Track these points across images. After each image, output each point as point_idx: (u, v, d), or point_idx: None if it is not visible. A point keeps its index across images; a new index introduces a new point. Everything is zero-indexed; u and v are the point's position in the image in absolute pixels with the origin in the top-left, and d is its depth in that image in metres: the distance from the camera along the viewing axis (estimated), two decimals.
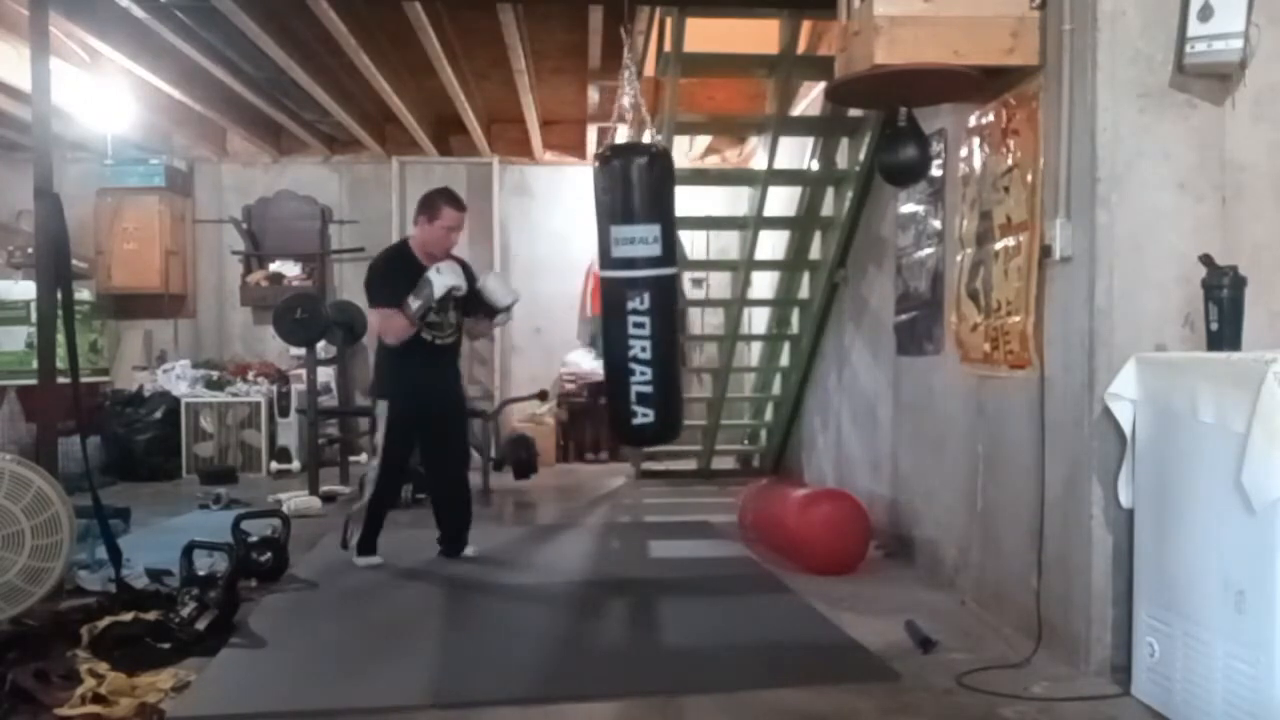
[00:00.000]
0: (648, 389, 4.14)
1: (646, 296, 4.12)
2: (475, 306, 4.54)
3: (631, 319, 4.13)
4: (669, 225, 4.19)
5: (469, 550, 4.62)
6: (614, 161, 4.21)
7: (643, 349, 4.12)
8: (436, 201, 4.42)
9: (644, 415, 4.17)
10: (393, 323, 4.29)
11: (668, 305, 4.24)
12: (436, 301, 4.25)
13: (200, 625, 3.26)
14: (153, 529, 5.29)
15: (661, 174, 4.16)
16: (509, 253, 8.78)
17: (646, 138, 4.76)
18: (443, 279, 4.23)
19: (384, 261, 4.54)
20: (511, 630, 3.54)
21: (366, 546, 4.46)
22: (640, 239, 4.10)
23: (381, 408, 4.44)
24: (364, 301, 8.02)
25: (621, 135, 5.14)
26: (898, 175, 3.94)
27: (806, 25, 5.55)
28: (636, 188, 4.10)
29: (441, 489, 4.67)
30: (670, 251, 4.20)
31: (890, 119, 3.75)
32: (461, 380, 4.82)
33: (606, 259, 4.23)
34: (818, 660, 3.17)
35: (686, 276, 8.56)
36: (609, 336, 4.32)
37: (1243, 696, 2.36)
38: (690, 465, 7.29)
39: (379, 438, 4.45)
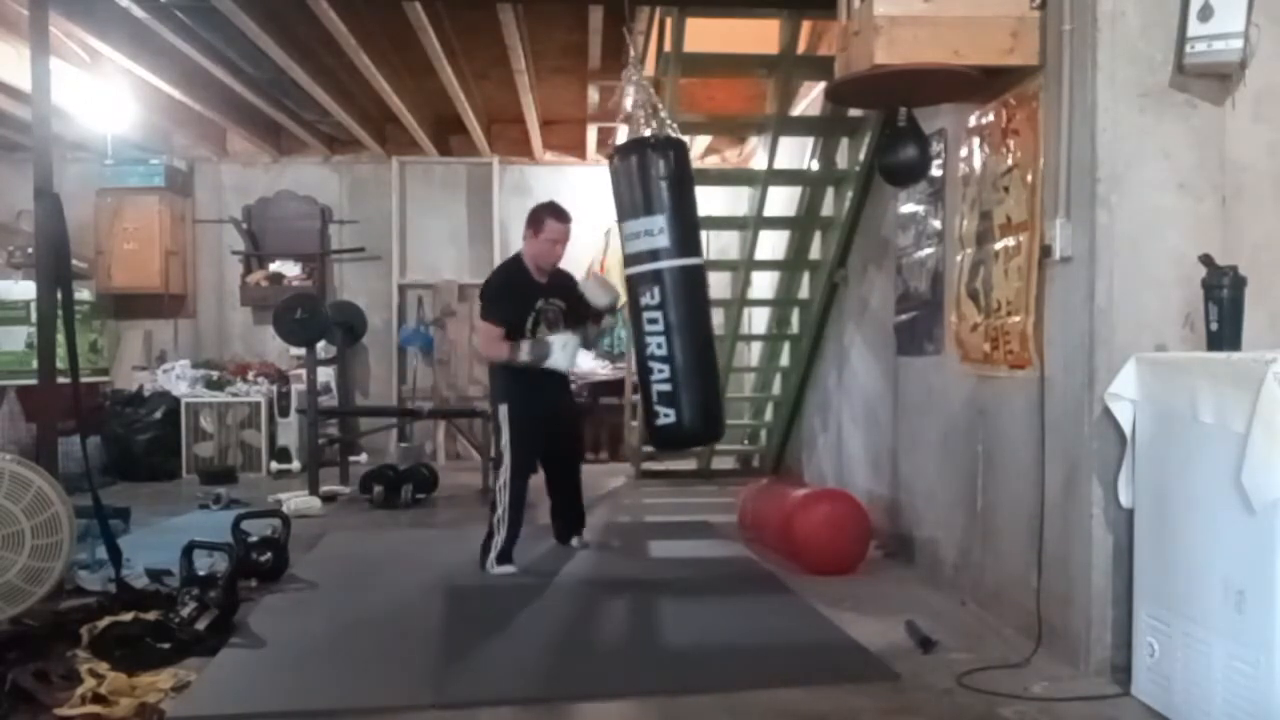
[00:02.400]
0: (667, 387, 3.99)
1: (656, 291, 3.97)
2: (584, 313, 4.55)
3: (645, 314, 4.00)
4: (679, 215, 4.03)
5: (575, 541, 4.84)
6: (617, 159, 4.17)
7: (659, 345, 3.98)
8: (542, 215, 4.49)
9: (665, 416, 4.02)
10: (496, 347, 4.39)
11: (687, 297, 4.05)
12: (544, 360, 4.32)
13: (200, 625, 3.26)
14: (153, 529, 5.29)
15: (666, 163, 4.04)
16: (509, 252, 8.68)
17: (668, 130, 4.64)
18: (559, 359, 4.31)
19: (500, 276, 4.66)
20: (511, 630, 3.54)
21: (506, 556, 4.40)
22: (646, 232, 3.98)
23: (503, 412, 4.45)
24: (364, 301, 8.26)
25: (622, 135, 5.11)
26: (898, 175, 3.94)
27: (806, 25, 5.56)
28: (639, 181, 4.01)
29: (560, 495, 4.86)
30: (685, 242, 4.04)
31: (890, 119, 3.74)
32: (570, 389, 4.85)
33: (625, 258, 4.15)
34: (818, 660, 3.17)
35: None
36: (635, 338, 4.23)
37: (1243, 696, 2.36)
38: (690, 465, 7.29)
39: (504, 442, 4.46)
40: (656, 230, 3.97)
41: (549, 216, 4.45)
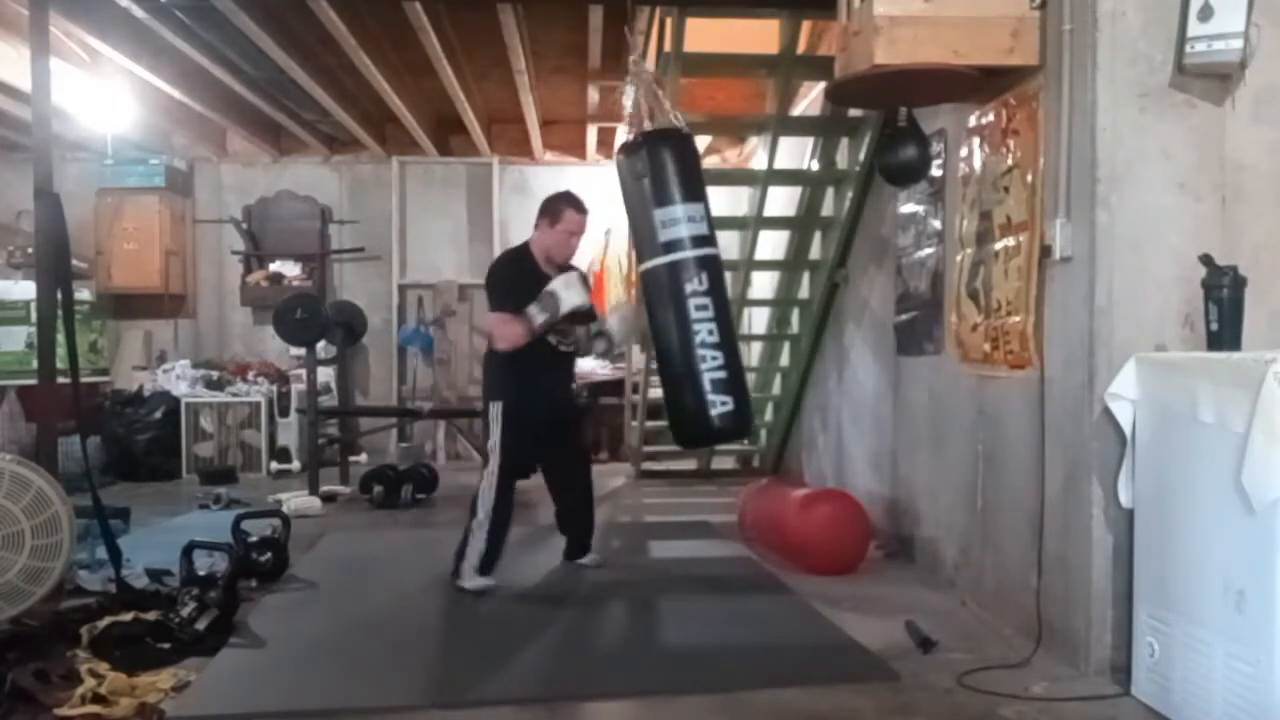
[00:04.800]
0: (721, 374, 3.84)
1: (704, 276, 3.88)
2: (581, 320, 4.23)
3: (692, 302, 3.87)
4: (709, 206, 4.04)
5: (588, 559, 4.48)
6: (646, 147, 4.01)
7: (710, 332, 3.86)
8: (559, 205, 4.14)
9: (723, 404, 3.84)
10: (510, 328, 3.96)
11: (723, 287, 4.04)
12: (561, 318, 3.97)
13: (200, 625, 3.26)
14: (153, 529, 5.29)
15: (695, 155, 4.11)
16: None
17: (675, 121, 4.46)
18: (569, 297, 3.93)
19: (506, 264, 4.28)
20: (511, 630, 3.54)
21: (486, 566, 4.01)
22: (688, 218, 3.90)
23: (495, 410, 4.07)
24: (364, 301, 8.26)
25: (626, 133, 5.04)
26: (898, 175, 3.94)
27: (806, 25, 5.55)
28: (677, 169, 3.94)
29: (566, 499, 4.52)
30: (714, 232, 4.05)
31: (890, 119, 3.74)
32: (571, 388, 4.55)
33: (650, 246, 3.96)
34: (818, 660, 3.17)
35: None
36: (663, 330, 3.97)
37: (1243, 696, 2.36)
38: (690, 465, 7.28)
39: (494, 441, 4.07)
40: (699, 217, 3.93)
41: (568, 207, 4.11)
